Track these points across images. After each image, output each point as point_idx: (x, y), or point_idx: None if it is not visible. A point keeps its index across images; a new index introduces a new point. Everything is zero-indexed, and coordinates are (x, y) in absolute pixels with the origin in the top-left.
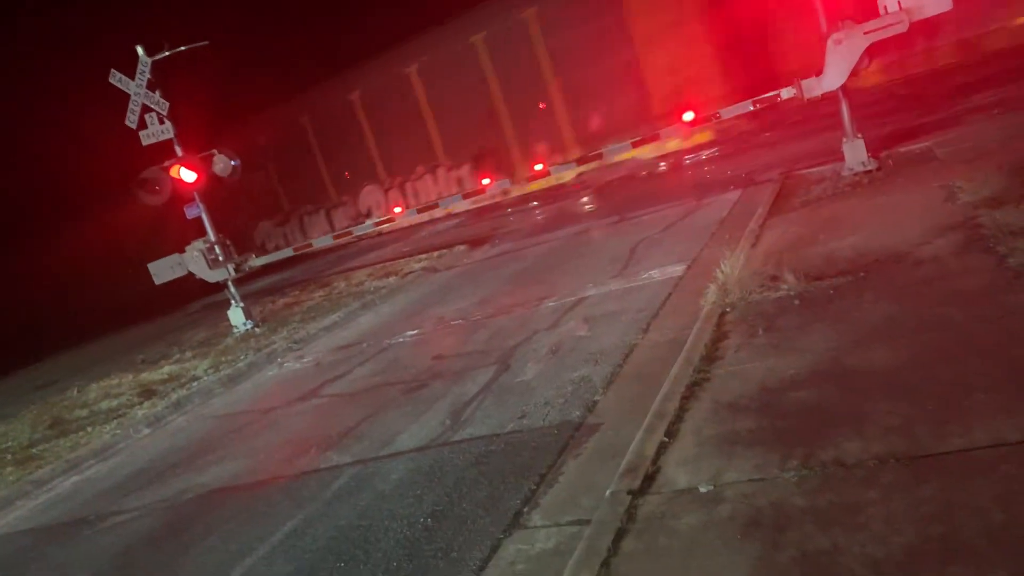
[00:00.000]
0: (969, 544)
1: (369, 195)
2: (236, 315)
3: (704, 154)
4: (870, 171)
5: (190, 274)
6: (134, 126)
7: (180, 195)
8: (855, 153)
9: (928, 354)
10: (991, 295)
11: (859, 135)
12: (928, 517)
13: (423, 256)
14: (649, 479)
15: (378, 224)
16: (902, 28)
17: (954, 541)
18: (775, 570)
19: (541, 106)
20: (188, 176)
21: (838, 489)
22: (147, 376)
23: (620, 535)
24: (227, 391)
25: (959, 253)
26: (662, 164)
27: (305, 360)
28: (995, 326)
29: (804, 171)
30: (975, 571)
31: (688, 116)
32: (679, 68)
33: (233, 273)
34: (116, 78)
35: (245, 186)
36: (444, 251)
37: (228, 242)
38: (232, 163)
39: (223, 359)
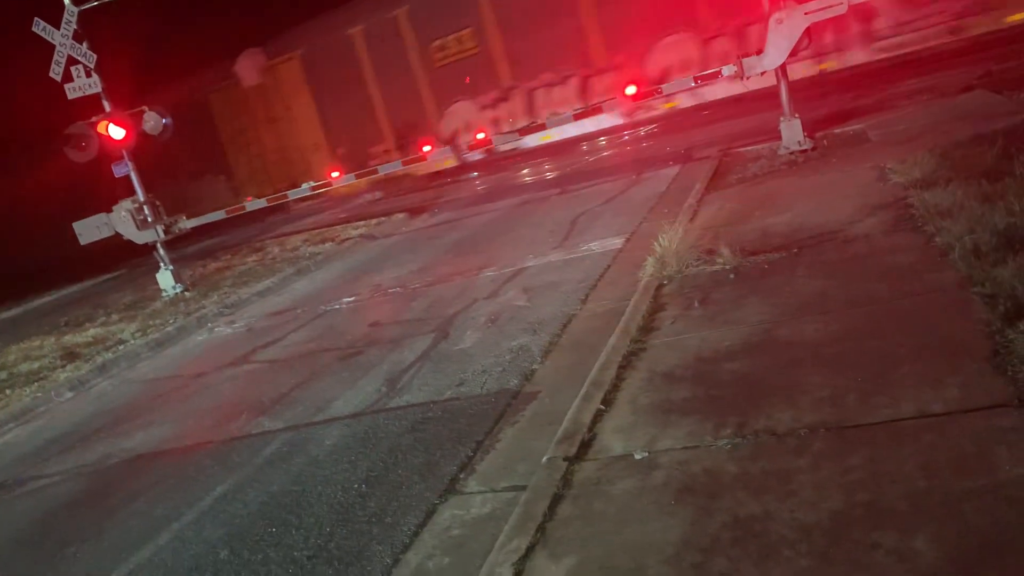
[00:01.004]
0: (894, 509)
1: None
2: (165, 278)
3: (643, 130)
4: (806, 151)
5: (117, 235)
6: (59, 79)
7: (108, 153)
8: (792, 132)
9: (858, 328)
10: (919, 272)
11: (796, 115)
12: (856, 484)
13: (361, 223)
14: (585, 446)
15: (315, 189)
16: (841, 10)
17: (880, 507)
18: (707, 534)
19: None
20: (116, 133)
21: (770, 457)
22: (70, 339)
23: (556, 500)
24: (155, 355)
25: (889, 232)
26: (602, 139)
27: (237, 325)
28: (922, 302)
29: (741, 149)
30: (899, 534)
31: (631, 90)
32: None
33: (162, 235)
34: (40, 27)
35: (191, 143)
36: (383, 219)
37: (158, 203)
38: (164, 121)
39: (151, 323)
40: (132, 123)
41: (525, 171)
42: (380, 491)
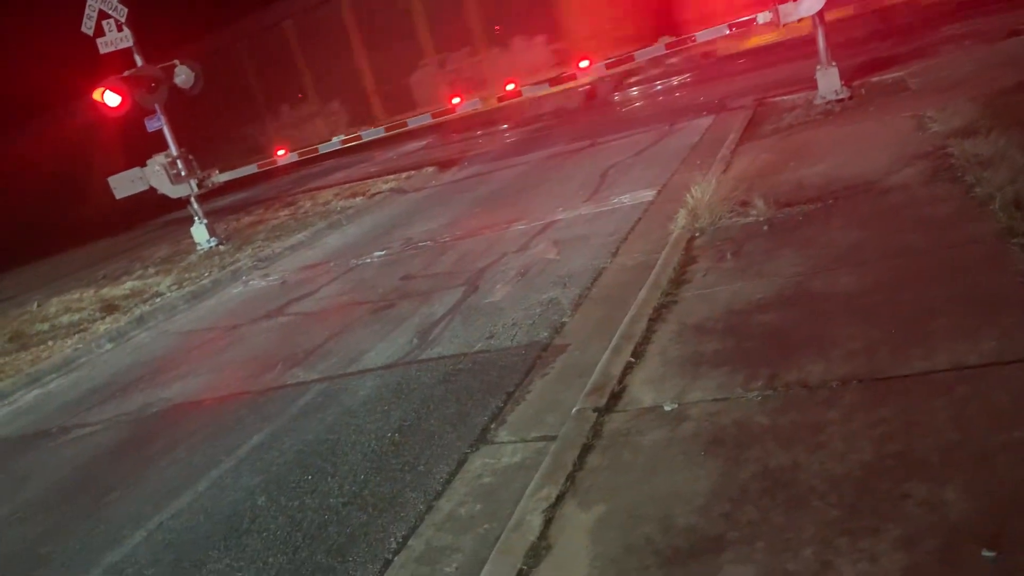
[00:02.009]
0: (924, 461)
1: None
2: (200, 232)
3: (675, 80)
4: (842, 100)
5: (152, 189)
6: (91, 32)
7: (104, 116)
8: (829, 81)
9: (893, 280)
10: (957, 223)
11: (833, 63)
12: (887, 436)
13: (391, 177)
14: (615, 397)
15: (344, 142)
16: None
17: (911, 458)
18: (737, 485)
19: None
20: (112, 100)
21: (800, 409)
22: (108, 292)
23: (586, 451)
24: (191, 308)
25: (927, 182)
26: (634, 90)
27: (271, 278)
28: (960, 253)
29: (776, 98)
30: (929, 486)
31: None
32: None
33: (196, 189)
34: None
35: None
36: (412, 173)
37: (191, 156)
38: (195, 74)
39: (186, 276)
40: (130, 90)
41: (555, 123)
42: (413, 440)
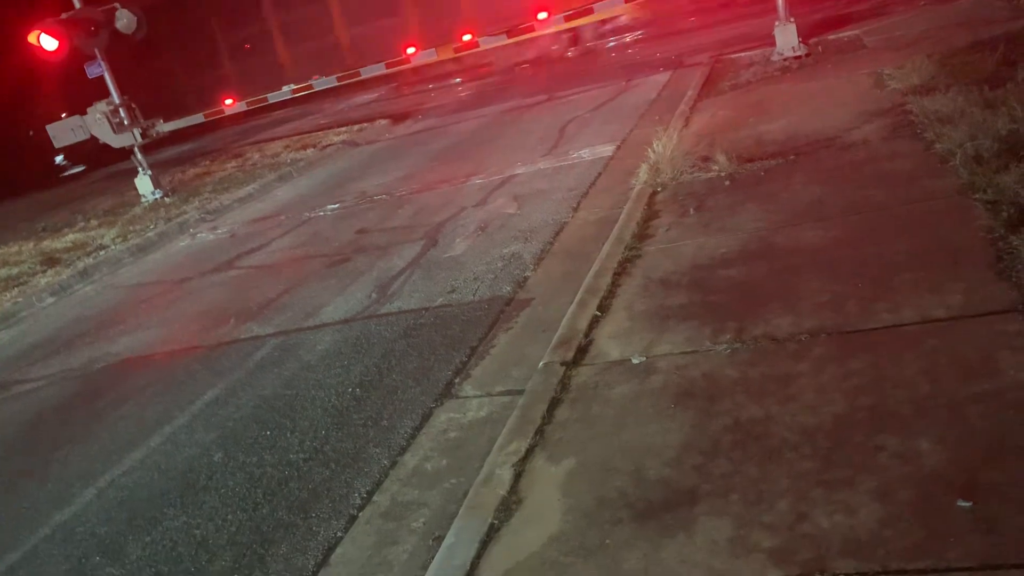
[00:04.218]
0: (897, 413)
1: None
2: (144, 183)
3: (628, 36)
4: (800, 57)
5: (93, 139)
6: None
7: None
8: (786, 37)
9: (856, 234)
10: (919, 179)
11: (791, 19)
12: (858, 389)
13: (342, 129)
14: (582, 351)
15: (295, 91)
16: None
17: (883, 411)
18: (708, 437)
19: None
20: (48, 44)
21: (770, 362)
22: (49, 244)
23: (554, 404)
24: (137, 261)
25: (888, 138)
26: (587, 44)
27: (219, 231)
28: (923, 208)
29: (734, 55)
30: (902, 438)
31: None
32: None
33: (139, 139)
34: None
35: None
36: (365, 125)
37: (134, 105)
38: (137, 18)
39: (131, 228)
40: (68, 33)
41: (511, 76)
42: (375, 395)
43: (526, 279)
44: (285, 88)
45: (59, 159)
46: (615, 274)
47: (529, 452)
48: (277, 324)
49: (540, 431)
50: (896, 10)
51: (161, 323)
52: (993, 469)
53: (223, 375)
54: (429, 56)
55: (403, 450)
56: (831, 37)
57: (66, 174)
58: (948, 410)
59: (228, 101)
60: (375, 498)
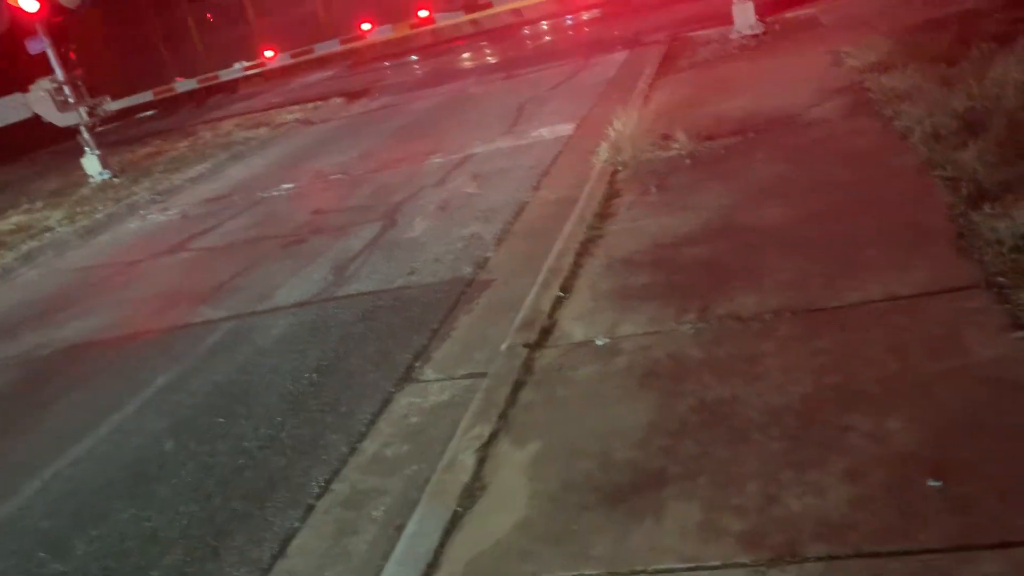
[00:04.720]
0: (865, 392)
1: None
2: (91, 164)
3: (585, 15)
4: (758, 35)
5: (36, 117)
6: None
7: (22, 27)
8: (744, 16)
9: (819, 212)
10: (879, 156)
11: None
12: (825, 367)
13: (296, 107)
14: (545, 333)
15: (247, 69)
16: None
17: (851, 390)
18: (674, 418)
19: None
20: (29, 5)
21: (735, 341)
22: None
23: (518, 387)
24: (84, 244)
25: (847, 116)
26: (544, 23)
27: (170, 212)
28: (884, 186)
29: (691, 33)
30: (872, 417)
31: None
32: None
33: (86, 118)
34: None
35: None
36: (319, 103)
37: (80, 82)
38: None
39: (78, 210)
40: None
41: (466, 55)
42: (332, 380)
43: (487, 260)
44: (236, 65)
45: None
46: (577, 254)
47: (493, 436)
48: (230, 307)
49: (504, 415)
50: None
51: (110, 307)
52: (963, 447)
53: (175, 360)
54: (385, 33)
55: (362, 436)
56: (788, 15)
57: None
58: (916, 388)
59: (178, 79)
60: (334, 486)
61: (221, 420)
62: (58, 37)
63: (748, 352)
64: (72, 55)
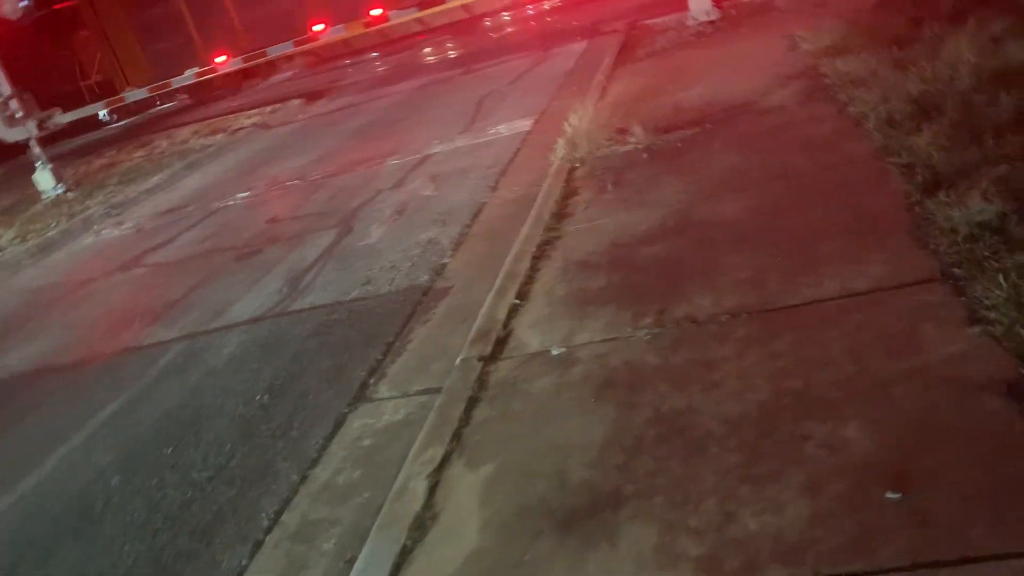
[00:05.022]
0: (823, 397)
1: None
2: (44, 178)
3: (547, 4)
4: (714, 21)
5: None
6: None
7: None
8: (699, 2)
9: (776, 204)
10: (835, 144)
11: None
12: (782, 372)
13: (254, 111)
14: (501, 343)
15: (199, 76)
16: None
17: (809, 395)
18: (631, 432)
19: None
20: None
21: (692, 346)
22: None
23: (472, 404)
24: (37, 262)
25: (803, 102)
26: (505, 14)
27: (125, 226)
28: (839, 174)
29: (649, 21)
30: (829, 425)
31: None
32: None
33: (36, 131)
34: None
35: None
36: (278, 106)
37: (27, 95)
38: (21, 3)
39: (31, 227)
40: None
41: (427, 50)
42: (284, 402)
43: (444, 266)
44: (188, 72)
45: None
46: (534, 257)
47: (446, 459)
48: (183, 326)
49: (457, 435)
50: None
51: (61, 330)
52: (922, 455)
53: (125, 386)
54: (338, 32)
55: (314, 462)
56: (744, 0)
57: None
58: (874, 391)
59: (129, 89)
60: (283, 518)
61: (169, 450)
62: (2, 49)
63: (705, 357)
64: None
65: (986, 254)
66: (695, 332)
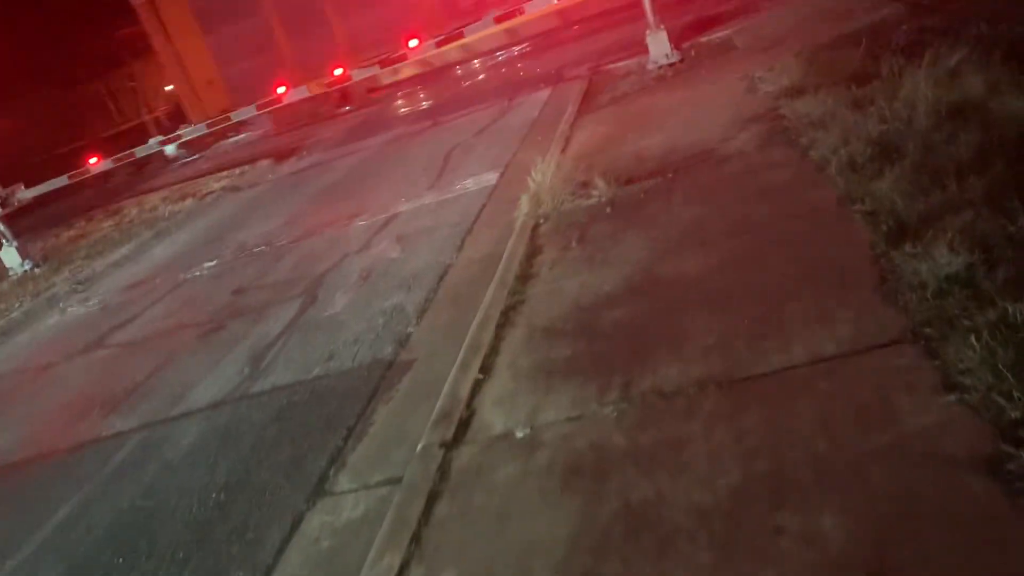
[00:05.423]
0: (796, 480)
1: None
2: (10, 256)
3: (516, 50)
4: (674, 63)
5: None
6: None
7: None
8: (659, 46)
9: (739, 259)
10: (797, 191)
11: (662, 26)
12: (753, 452)
13: (224, 174)
14: (463, 426)
15: (163, 143)
16: None
17: (781, 478)
18: (598, 529)
19: None
20: None
21: (659, 424)
22: None
23: (432, 498)
24: None
25: (763, 147)
26: (476, 61)
27: (90, 303)
28: (802, 225)
29: (611, 66)
30: (804, 514)
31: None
32: None
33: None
34: None
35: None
36: (247, 167)
37: None
38: None
39: None
40: None
41: (399, 102)
42: (241, 500)
43: (408, 336)
44: (152, 141)
45: None
46: (498, 325)
47: (404, 567)
48: (141, 415)
49: (416, 537)
50: (762, 6)
51: (15, 423)
52: (901, 543)
53: (79, 485)
54: (301, 93)
55: (269, 569)
56: (703, 40)
57: None
58: (848, 473)
59: (92, 160)
60: None
61: (120, 560)
62: None
63: (673, 436)
64: None
65: (956, 311)
66: (662, 407)
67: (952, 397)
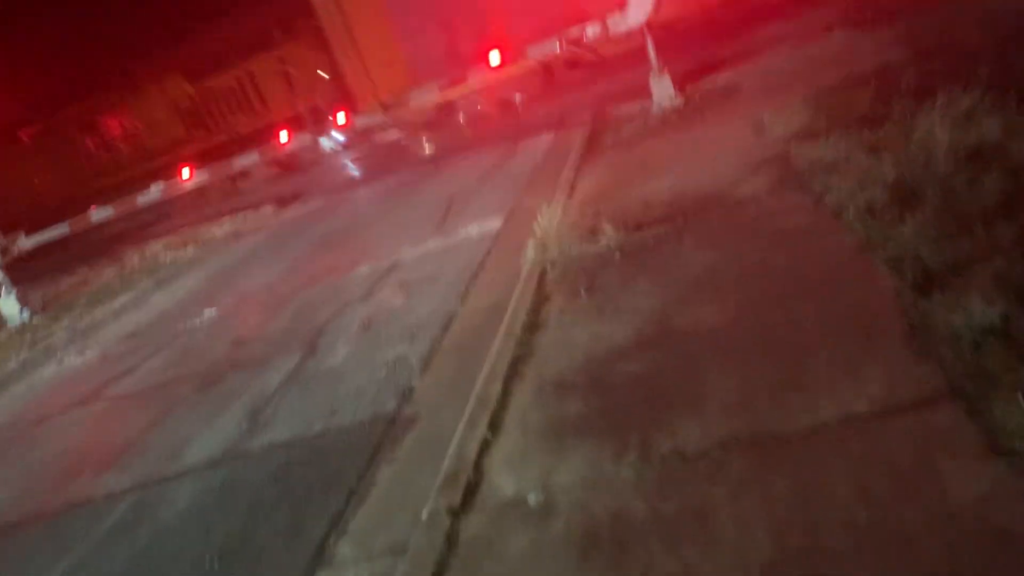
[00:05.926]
0: (834, 555)
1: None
2: (9, 305)
3: (517, 96)
4: (678, 108)
5: None
6: None
7: None
8: (663, 90)
9: (756, 309)
10: (813, 237)
11: (665, 71)
12: (785, 521)
13: (226, 219)
14: (472, 490)
15: (166, 191)
16: None
17: (817, 551)
18: None
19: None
20: None
21: (681, 488)
22: None
23: (439, 571)
24: None
25: (775, 191)
26: (478, 106)
27: (88, 354)
28: (822, 272)
29: (614, 110)
30: None
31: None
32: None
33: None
34: None
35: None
36: (250, 212)
37: None
38: None
39: None
40: None
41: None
42: (236, 568)
43: (412, 390)
44: (154, 188)
45: None
46: (506, 378)
47: None
48: (136, 473)
49: None
50: (764, 50)
51: (6, 482)
52: None
53: (67, 551)
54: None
55: None
56: (707, 83)
57: None
58: (892, 548)
59: (93, 207)
60: None
61: None
62: None
63: (697, 503)
64: None
65: (997, 366)
66: (684, 470)
67: (1002, 462)
